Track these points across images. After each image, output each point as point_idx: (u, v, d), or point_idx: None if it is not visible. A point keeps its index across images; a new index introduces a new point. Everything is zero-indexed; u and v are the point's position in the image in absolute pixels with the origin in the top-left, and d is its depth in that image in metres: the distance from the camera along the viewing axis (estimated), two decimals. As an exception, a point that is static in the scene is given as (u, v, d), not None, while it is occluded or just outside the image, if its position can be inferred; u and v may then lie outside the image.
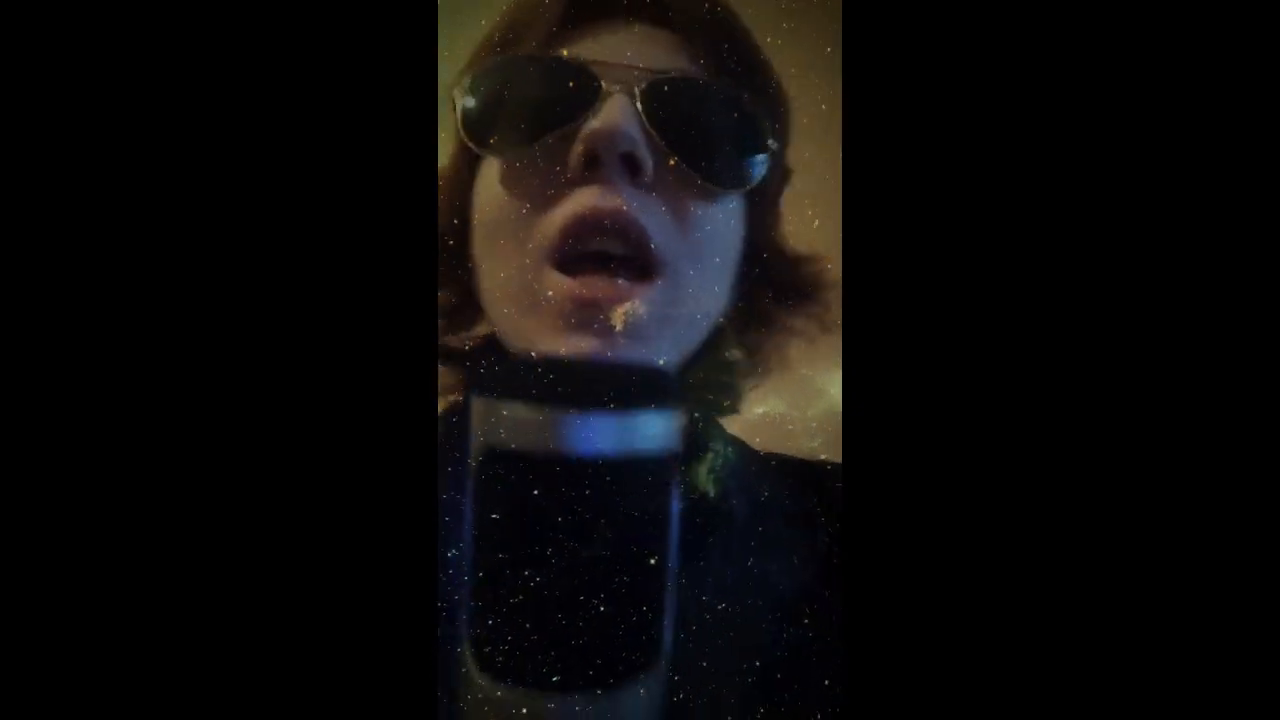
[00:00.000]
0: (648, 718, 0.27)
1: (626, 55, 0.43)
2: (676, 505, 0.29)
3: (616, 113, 0.40)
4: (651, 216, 0.41)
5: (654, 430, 0.27)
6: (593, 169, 0.41)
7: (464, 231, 0.47)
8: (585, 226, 0.40)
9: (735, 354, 0.53)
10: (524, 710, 0.26)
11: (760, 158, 0.45)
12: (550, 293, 0.41)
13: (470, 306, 0.49)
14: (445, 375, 0.51)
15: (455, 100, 0.45)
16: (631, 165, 0.41)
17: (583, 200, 0.40)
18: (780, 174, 0.51)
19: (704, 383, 0.53)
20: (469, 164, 0.47)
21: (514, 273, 0.43)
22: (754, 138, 0.45)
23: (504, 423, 0.26)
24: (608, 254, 0.41)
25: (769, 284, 0.52)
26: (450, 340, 0.52)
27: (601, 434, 0.25)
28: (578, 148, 0.40)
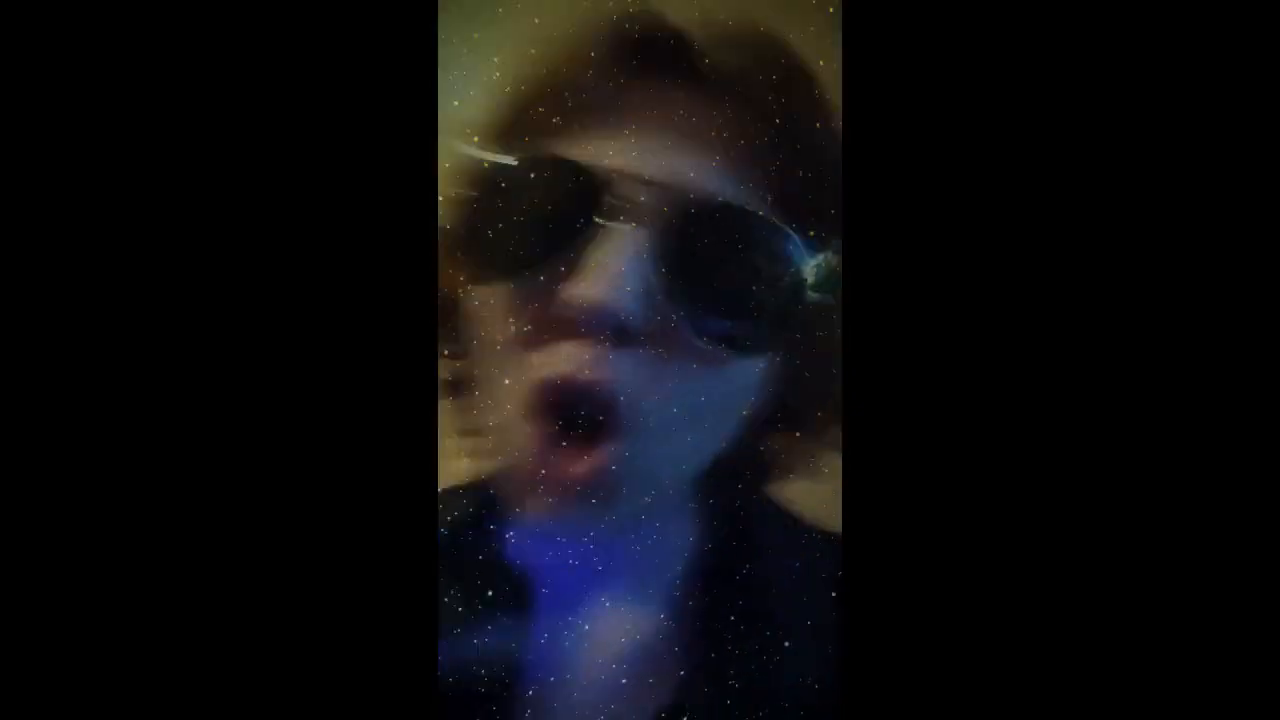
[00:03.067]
0: None
1: (650, 158, 0.36)
2: None
3: (611, 268, 0.35)
4: (636, 382, 0.36)
5: None
6: (576, 328, 0.36)
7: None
8: (555, 393, 0.36)
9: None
10: None
11: (808, 300, 0.37)
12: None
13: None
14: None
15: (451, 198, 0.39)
16: (620, 333, 0.35)
17: (557, 363, 0.36)
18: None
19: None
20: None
21: (497, 397, 0.39)
22: (800, 282, 0.37)
23: None
24: (575, 414, 0.36)
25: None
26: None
27: None
28: (561, 304, 0.35)
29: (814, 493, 0.47)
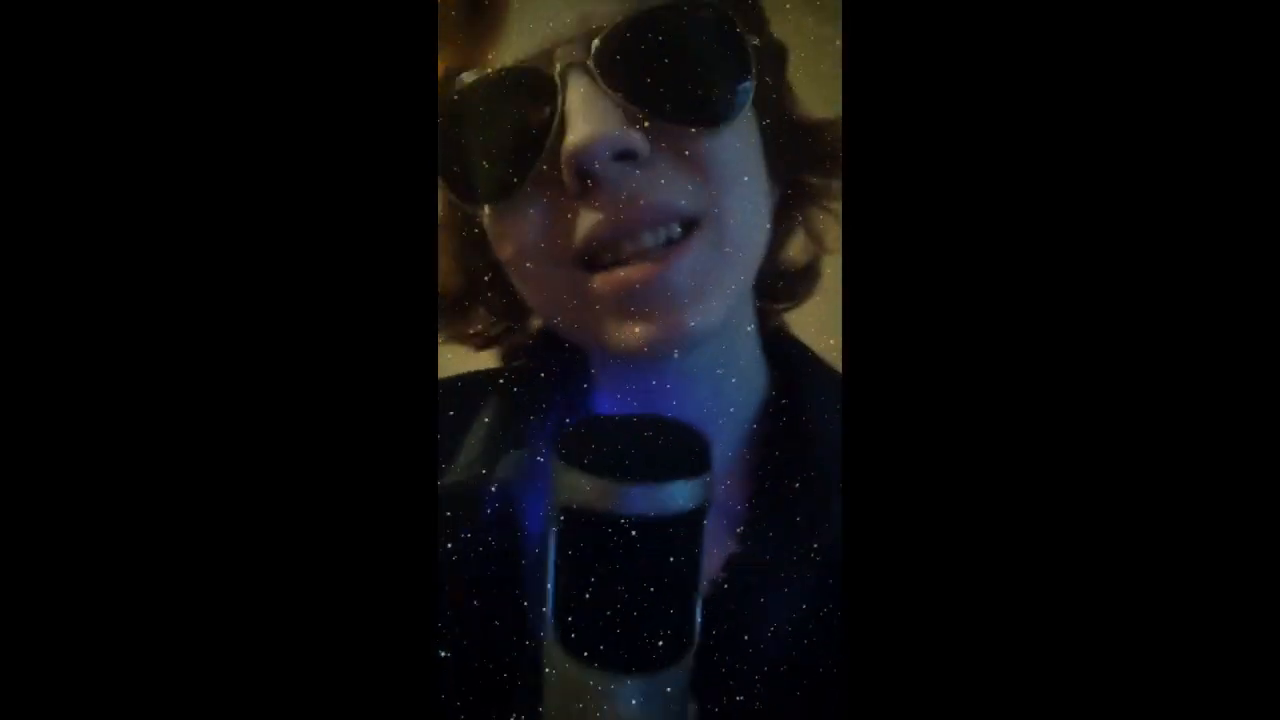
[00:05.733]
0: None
1: (565, 21, 0.38)
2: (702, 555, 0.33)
3: (584, 111, 0.37)
4: (666, 189, 0.39)
5: (686, 496, 0.31)
6: (589, 181, 0.38)
7: (495, 266, 0.46)
8: (606, 246, 0.39)
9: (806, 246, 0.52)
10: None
11: (746, 76, 0.40)
12: (596, 291, 0.40)
13: (522, 309, 0.50)
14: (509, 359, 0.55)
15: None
16: (626, 157, 0.38)
17: (591, 227, 0.39)
18: (776, 56, 0.47)
19: (781, 288, 0.53)
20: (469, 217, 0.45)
21: (553, 289, 0.42)
22: (732, 52, 0.40)
23: (567, 486, 0.32)
24: (643, 249, 0.40)
25: (804, 162, 0.49)
26: (512, 339, 0.54)
27: (643, 502, 0.30)
28: (566, 172, 0.38)
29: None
